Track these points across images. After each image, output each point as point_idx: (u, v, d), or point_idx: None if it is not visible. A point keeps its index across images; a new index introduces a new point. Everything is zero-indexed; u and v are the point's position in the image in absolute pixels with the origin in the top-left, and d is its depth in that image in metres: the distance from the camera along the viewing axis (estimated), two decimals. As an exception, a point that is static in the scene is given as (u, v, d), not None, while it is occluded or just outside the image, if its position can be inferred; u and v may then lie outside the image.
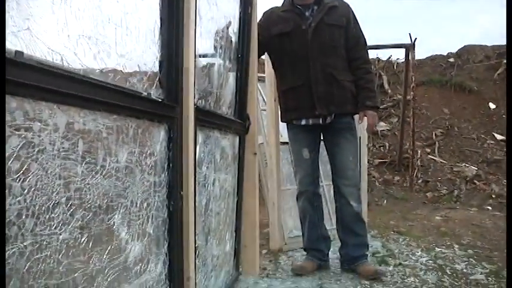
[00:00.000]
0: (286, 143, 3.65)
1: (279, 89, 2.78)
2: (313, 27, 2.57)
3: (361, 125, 3.16)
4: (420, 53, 8.67)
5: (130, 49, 1.15)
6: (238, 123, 2.24)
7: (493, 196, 5.79)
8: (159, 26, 1.32)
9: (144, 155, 1.19)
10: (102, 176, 0.98)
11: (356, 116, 2.71)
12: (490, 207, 5.39)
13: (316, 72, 2.57)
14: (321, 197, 2.88)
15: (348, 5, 2.72)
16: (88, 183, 0.93)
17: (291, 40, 2.60)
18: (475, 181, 6.20)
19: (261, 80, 3.21)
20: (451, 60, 8.81)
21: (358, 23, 2.71)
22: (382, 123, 7.64)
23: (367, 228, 2.88)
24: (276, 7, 2.74)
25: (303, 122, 2.68)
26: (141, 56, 1.23)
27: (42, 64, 0.79)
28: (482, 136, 7.25)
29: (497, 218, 4.65)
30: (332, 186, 2.81)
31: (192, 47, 1.43)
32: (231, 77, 2.15)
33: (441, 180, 6.46)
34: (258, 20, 2.51)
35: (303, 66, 2.58)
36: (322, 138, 2.79)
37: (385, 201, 5.82)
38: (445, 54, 9.12)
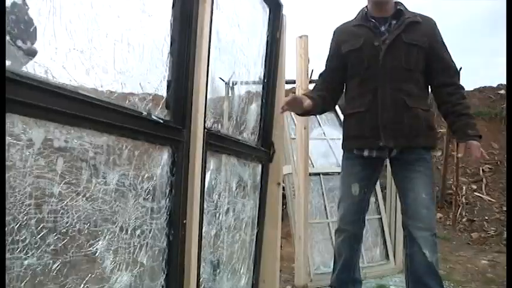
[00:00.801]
0: (317, 174, 3.53)
1: (344, 112, 2.52)
2: (387, 45, 2.27)
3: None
4: (468, 84, 8.37)
5: (131, 66, 1.10)
6: (261, 150, 2.15)
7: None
8: (169, 44, 1.28)
9: (140, 178, 1.12)
10: (84, 198, 0.91)
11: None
12: (543, 253, 4.97)
13: (385, 98, 2.26)
14: (362, 238, 2.55)
15: (434, 23, 2.40)
16: (66, 205, 0.86)
17: (360, 58, 2.32)
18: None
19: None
20: (502, 92, 8.42)
21: (445, 45, 2.38)
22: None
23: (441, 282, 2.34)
24: (349, 22, 2.49)
25: (366, 153, 2.36)
26: (145, 74, 1.17)
27: (13, 73, 0.74)
28: (536, 176, 6.82)
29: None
30: (402, 229, 2.43)
31: (205, 68, 1.37)
32: (255, 103, 2.08)
33: (488, 220, 6.07)
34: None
35: (371, 89, 2.29)
36: (391, 171, 2.49)
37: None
38: (495, 85, 8.73)
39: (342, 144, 2.51)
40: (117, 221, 1.02)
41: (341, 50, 2.39)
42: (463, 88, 2.39)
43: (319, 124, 4.35)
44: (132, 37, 1.10)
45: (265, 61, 2.14)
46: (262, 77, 2.13)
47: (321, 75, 2.54)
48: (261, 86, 2.13)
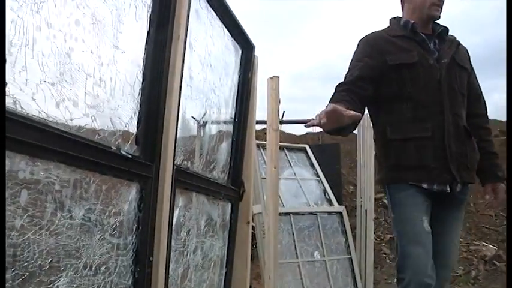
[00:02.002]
0: (287, 213, 3.53)
1: (384, 137, 2.09)
2: (446, 65, 2.05)
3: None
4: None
5: (102, 101, 1.11)
6: (231, 189, 2.15)
7: (518, 280, 5.43)
8: (141, 81, 1.29)
9: (106, 213, 1.10)
10: (48, 233, 0.89)
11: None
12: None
13: (449, 124, 2.01)
14: None
15: (464, 46, 2.22)
16: (28, 239, 0.84)
17: (413, 75, 2.04)
18: (495, 262, 5.86)
19: (264, 147, 3.16)
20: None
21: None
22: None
23: None
24: (382, 31, 2.21)
25: (425, 186, 2.00)
26: (115, 109, 1.18)
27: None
28: (501, 213, 6.97)
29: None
30: None
31: (175, 105, 1.38)
32: (226, 142, 2.10)
33: (457, 259, 6.13)
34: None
35: (432, 114, 2.02)
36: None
37: (395, 280, 5.51)
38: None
39: (387, 174, 2.11)
40: (81, 256, 1.00)
41: (386, 61, 2.07)
42: (489, 122, 2.25)
43: (290, 165, 4.40)
44: (104, 72, 1.11)
45: (236, 101, 2.18)
46: (233, 117, 2.16)
47: (344, 84, 2.11)
48: (232, 125, 2.16)
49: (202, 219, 1.79)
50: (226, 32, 1.94)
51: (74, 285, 0.97)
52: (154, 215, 1.30)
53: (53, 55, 0.94)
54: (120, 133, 1.19)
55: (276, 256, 2.99)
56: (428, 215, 2.02)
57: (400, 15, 2.27)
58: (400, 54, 2.07)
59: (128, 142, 1.23)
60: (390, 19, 2.29)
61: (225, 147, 2.09)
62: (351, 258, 3.66)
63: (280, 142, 3.04)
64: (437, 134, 2.01)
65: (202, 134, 1.81)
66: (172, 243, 1.45)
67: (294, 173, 4.28)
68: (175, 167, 1.41)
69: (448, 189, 2.02)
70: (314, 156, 4.54)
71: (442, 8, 2.16)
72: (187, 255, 1.63)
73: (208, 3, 1.72)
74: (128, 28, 1.22)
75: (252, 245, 2.45)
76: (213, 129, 1.93)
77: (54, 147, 0.90)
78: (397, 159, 2.06)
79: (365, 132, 4.15)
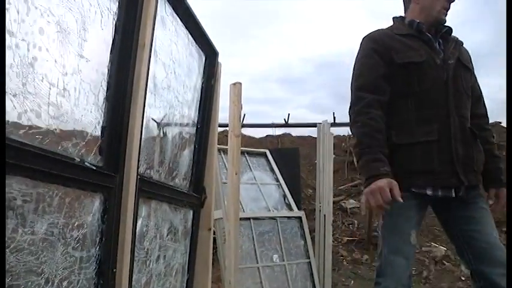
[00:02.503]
0: (247, 218, 3.55)
1: (388, 141, 1.98)
2: (453, 66, 2.02)
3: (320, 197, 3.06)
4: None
5: (66, 111, 1.08)
6: (193, 196, 2.14)
7: (462, 278, 5.68)
8: (105, 90, 1.27)
9: (70, 226, 1.07)
10: (8, 250, 0.86)
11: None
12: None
13: (456, 127, 1.97)
14: None
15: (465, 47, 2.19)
16: (-11, 258, 0.81)
17: (421, 74, 1.99)
18: (444, 262, 6.11)
19: (225, 152, 3.16)
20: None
21: None
22: (351, 201, 7.65)
23: None
24: (386, 29, 2.17)
25: (429, 192, 1.95)
26: (79, 119, 1.15)
27: None
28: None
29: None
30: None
31: (140, 114, 1.37)
32: (188, 148, 2.09)
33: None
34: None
35: (437, 115, 1.97)
36: (444, 214, 2.09)
37: (352, 281, 5.64)
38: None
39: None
40: (43, 272, 0.97)
41: (393, 59, 2.01)
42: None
43: (250, 169, 4.41)
44: (68, 82, 1.08)
45: (199, 107, 2.17)
46: (196, 123, 2.15)
47: (366, 100, 1.98)
48: (195, 132, 2.15)
49: (165, 228, 1.78)
50: (191, 38, 1.93)
51: (36, 302, 0.95)
52: (117, 226, 1.28)
53: (15, 65, 0.91)
54: (84, 143, 1.17)
55: (236, 261, 3.00)
56: (418, 227, 2.03)
57: (402, 15, 2.24)
58: (407, 53, 2.02)
59: (92, 152, 1.20)
60: (393, 18, 2.25)
61: (187, 154, 2.08)
62: (309, 262, 3.72)
63: (240, 146, 3.05)
64: (443, 137, 1.96)
65: (165, 142, 1.80)
66: (135, 253, 1.43)
67: (254, 177, 4.30)
68: (138, 177, 1.39)
69: (453, 194, 1.98)
70: (274, 160, 4.58)
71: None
72: (150, 264, 1.61)
73: (174, 11, 1.70)
74: (93, 36, 1.20)
75: (213, 249, 2.45)
76: (175, 136, 1.92)
77: (16, 161, 0.87)
78: (402, 164, 1.97)
79: (325, 138, 4.22)
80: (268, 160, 4.45)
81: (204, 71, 2.17)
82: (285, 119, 6.06)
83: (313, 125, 4.98)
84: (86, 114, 1.18)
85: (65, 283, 1.06)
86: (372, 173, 1.87)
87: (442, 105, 1.99)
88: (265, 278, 3.39)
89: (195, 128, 2.15)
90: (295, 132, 9.37)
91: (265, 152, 4.65)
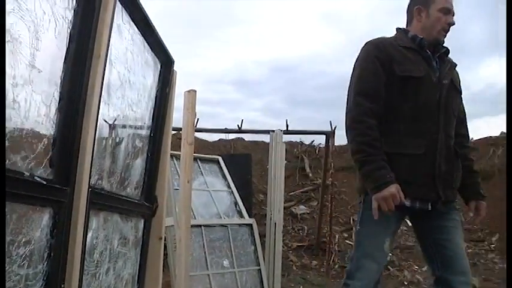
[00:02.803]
0: (198, 225, 3.53)
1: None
2: (447, 86, 2.10)
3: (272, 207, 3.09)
4: (342, 140, 9.04)
5: (15, 124, 1.04)
6: (145, 205, 2.11)
7: (405, 283, 5.89)
8: (58, 101, 1.23)
9: (16, 244, 1.04)
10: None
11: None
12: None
13: (442, 144, 2.07)
14: None
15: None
16: None
17: (417, 90, 2.06)
18: (389, 267, 6.31)
19: (177, 157, 3.13)
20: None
21: None
22: (302, 207, 7.76)
23: None
24: (390, 38, 2.21)
25: (408, 203, 2.02)
26: (29, 132, 1.12)
27: None
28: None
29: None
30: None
31: (93, 126, 1.34)
32: (141, 157, 2.06)
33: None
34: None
35: (426, 131, 2.06)
36: (417, 224, 2.22)
37: (301, 287, 5.72)
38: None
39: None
40: (-14, 293, 0.93)
41: (394, 70, 2.07)
42: None
43: (202, 174, 4.40)
44: (18, 93, 1.04)
45: (153, 115, 2.15)
46: (149, 131, 2.13)
47: (364, 94, 2.08)
48: (148, 140, 2.12)
49: (115, 239, 1.75)
50: (147, 46, 1.91)
51: (-22, 325, 0.91)
52: (67, 240, 1.24)
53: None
54: (34, 156, 1.13)
55: (187, 269, 2.98)
56: (394, 235, 2.14)
57: (405, 27, 2.30)
58: (408, 66, 2.08)
59: (42, 165, 1.16)
60: (397, 29, 2.30)
61: (139, 163, 2.05)
62: (259, 269, 3.75)
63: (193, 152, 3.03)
64: (429, 152, 2.05)
65: (117, 151, 1.77)
66: (85, 266, 1.40)
67: (206, 183, 4.29)
68: (90, 189, 1.36)
69: (429, 207, 2.08)
70: (226, 166, 4.58)
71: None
72: (99, 277, 1.58)
73: (131, 18, 1.68)
74: (46, 45, 1.16)
75: (163, 256, 2.43)
76: (128, 145, 1.89)
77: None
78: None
79: (277, 146, 4.27)
80: (220, 167, 4.45)
81: (159, 79, 2.14)
82: (238, 125, 6.07)
83: (266, 132, 5.03)
84: (37, 126, 1.14)
85: (9, 303, 1.02)
86: (382, 181, 1.98)
87: (432, 121, 2.08)
88: (215, 285, 3.39)
89: (148, 137, 2.12)
90: (248, 137, 9.41)
91: (218, 159, 4.65)
